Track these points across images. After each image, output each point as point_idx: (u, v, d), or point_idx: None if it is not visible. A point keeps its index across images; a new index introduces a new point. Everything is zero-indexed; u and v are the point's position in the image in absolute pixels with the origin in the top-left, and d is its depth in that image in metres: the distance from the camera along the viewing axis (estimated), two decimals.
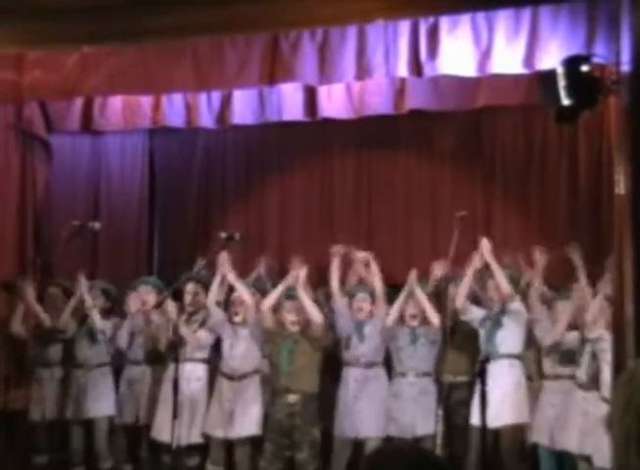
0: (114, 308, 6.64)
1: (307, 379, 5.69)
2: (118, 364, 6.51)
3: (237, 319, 6.04)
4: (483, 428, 4.40)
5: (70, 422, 6.36)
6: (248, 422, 5.81)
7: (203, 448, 6.05)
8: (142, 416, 6.22)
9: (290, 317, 5.79)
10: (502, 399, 5.33)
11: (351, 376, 5.88)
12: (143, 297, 6.43)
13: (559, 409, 5.52)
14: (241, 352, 5.97)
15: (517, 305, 5.72)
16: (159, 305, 6.19)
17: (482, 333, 5.81)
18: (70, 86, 6.12)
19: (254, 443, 5.87)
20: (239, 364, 5.93)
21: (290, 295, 5.85)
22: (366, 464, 1.82)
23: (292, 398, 5.63)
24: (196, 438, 5.92)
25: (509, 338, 5.67)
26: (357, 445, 5.87)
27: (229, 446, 5.97)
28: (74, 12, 5.14)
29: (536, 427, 5.62)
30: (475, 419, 5.57)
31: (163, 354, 6.19)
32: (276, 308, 5.86)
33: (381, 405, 5.84)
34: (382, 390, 5.90)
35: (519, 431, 5.65)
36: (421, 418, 5.69)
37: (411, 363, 5.86)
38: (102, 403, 6.32)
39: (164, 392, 5.94)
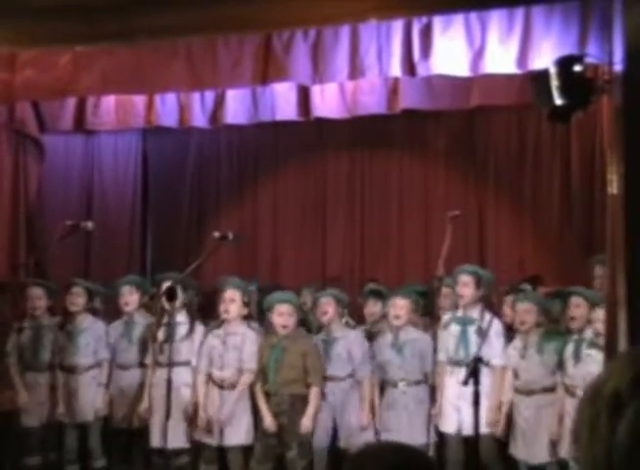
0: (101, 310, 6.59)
1: (294, 384, 5.66)
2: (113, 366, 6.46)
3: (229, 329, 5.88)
4: (476, 428, 4.34)
5: (64, 424, 6.31)
6: (237, 431, 5.74)
7: (192, 448, 6.00)
8: (134, 420, 6.14)
9: (280, 320, 5.70)
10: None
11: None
12: (126, 298, 6.35)
13: (530, 424, 5.37)
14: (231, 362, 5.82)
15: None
16: (143, 306, 6.16)
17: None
18: (63, 86, 6.09)
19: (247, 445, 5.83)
20: (229, 374, 5.82)
21: (282, 299, 5.79)
22: (349, 464, 1.76)
23: (278, 398, 5.63)
24: (181, 443, 5.83)
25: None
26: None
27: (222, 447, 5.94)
28: (67, 11, 5.11)
29: (511, 440, 5.50)
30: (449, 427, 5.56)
31: (150, 357, 6.09)
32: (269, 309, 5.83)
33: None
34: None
35: (494, 440, 5.54)
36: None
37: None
38: (94, 407, 6.25)
39: (154, 398, 5.86)
